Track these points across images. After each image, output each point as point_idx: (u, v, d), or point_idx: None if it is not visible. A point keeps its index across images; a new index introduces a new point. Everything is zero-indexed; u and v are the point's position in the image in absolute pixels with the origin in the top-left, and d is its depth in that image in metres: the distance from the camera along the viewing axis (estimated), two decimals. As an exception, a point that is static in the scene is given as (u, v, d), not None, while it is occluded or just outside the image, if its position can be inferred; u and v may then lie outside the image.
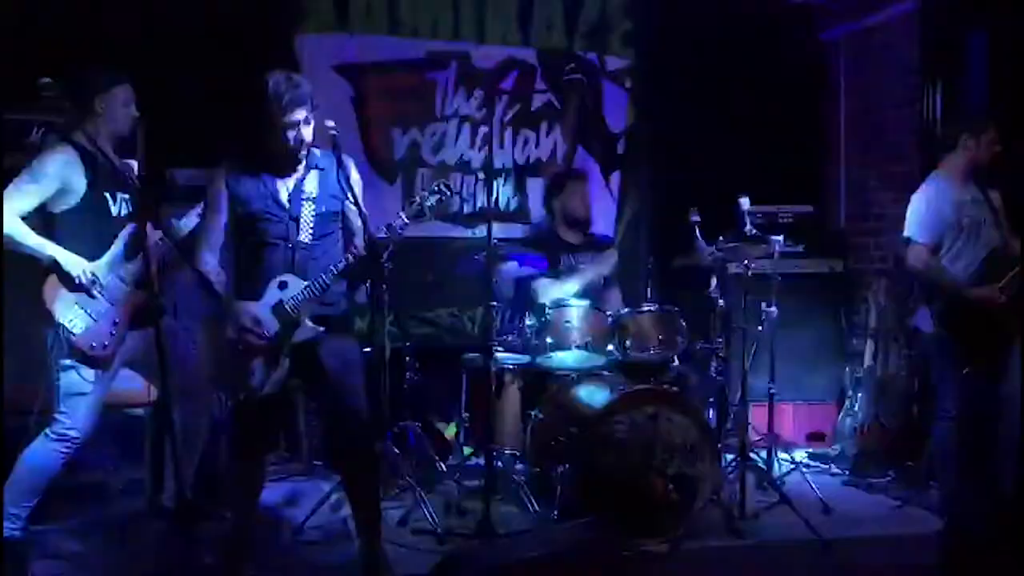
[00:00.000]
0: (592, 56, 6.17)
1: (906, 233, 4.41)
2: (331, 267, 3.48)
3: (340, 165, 3.49)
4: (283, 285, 3.49)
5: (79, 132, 3.73)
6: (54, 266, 3.63)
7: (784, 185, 6.03)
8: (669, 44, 6.15)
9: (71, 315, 3.65)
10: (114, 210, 3.78)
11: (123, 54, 4.39)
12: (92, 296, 3.68)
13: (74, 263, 3.65)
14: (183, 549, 3.39)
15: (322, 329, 3.51)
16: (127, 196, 3.79)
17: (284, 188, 3.56)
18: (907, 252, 4.40)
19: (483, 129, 5.90)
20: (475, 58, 5.93)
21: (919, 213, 4.38)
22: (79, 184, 3.67)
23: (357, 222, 3.53)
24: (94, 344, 3.67)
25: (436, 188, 3.56)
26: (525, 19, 6.01)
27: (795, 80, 6.51)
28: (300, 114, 3.46)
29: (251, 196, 3.53)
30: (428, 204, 3.52)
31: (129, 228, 3.77)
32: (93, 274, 3.67)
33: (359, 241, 3.50)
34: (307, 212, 3.53)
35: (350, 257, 3.48)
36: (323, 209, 3.56)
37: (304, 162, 3.57)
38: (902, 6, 5.90)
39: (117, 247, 3.75)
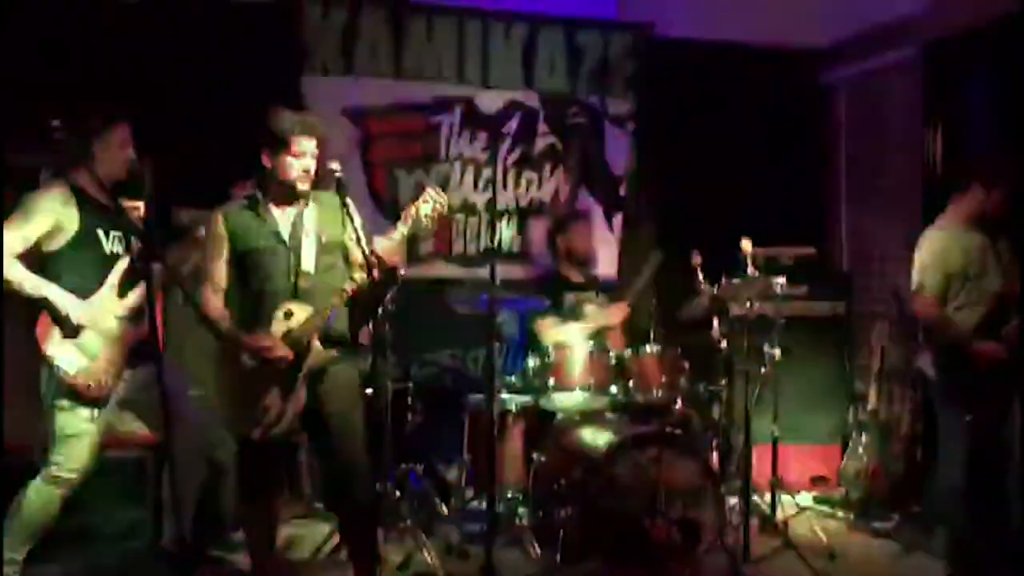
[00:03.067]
0: (594, 100, 6.22)
1: (915, 279, 4.39)
2: (335, 293, 3.48)
3: (343, 203, 3.51)
4: (289, 314, 3.48)
5: (73, 171, 3.75)
6: (48, 305, 3.63)
7: (786, 227, 6.04)
8: (671, 88, 6.21)
9: (65, 354, 3.64)
10: (107, 247, 3.77)
11: (130, 96, 4.44)
12: (86, 334, 3.67)
13: (68, 302, 3.64)
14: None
15: (334, 353, 3.52)
16: (119, 233, 3.80)
17: (285, 220, 3.58)
18: (916, 300, 4.38)
19: (486, 171, 5.94)
20: (479, 102, 5.98)
21: (926, 261, 4.35)
22: (71, 222, 3.68)
23: (358, 256, 3.51)
24: (91, 384, 3.66)
25: (428, 197, 3.48)
26: (528, 63, 6.07)
27: (797, 123, 6.57)
28: (307, 145, 3.51)
29: (251, 231, 3.55)
30: (424, 213, 3.47)
31: (123, 264, 3.78)
32: (88, 312, 3.67)
33: (359, 275, 3.49)
34: (308, 244, 3.54)
35: (353, 286, 3.47)
36: (324, 240, 3.57)
37: (305, 197, 3.59)
38: (902, 50, 5.96)
39: (111, 284, 3.75)
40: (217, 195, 3.84)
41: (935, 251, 4.33)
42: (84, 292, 3.70)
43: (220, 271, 3.57)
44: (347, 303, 3.55)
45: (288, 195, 3.59)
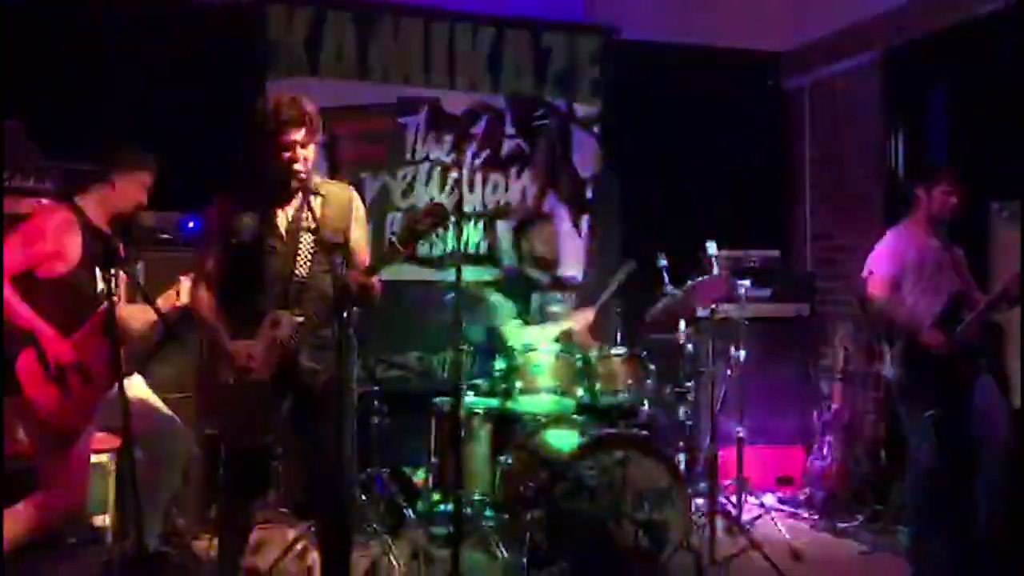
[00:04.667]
0: (561, 103, 6.23)
1: (867, 266, 4.48)
2: (326, 303, 3.32)
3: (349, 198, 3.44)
4: (276, 323, 3.32)
5: (86, 198, 3.64)
6: (31, 339, 3.49)
7: (751, 230, 6.10)
8: (637, 90, 6.23)
9: (40, 392, 3.51)
10: (99, 284, 3.64)
11: (88, 98, 4.39)
12: (65, 375, 3.53)
13: (54, 340, 3.51)
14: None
15: (319, 368, 3.38)
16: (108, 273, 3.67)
17: (283, 217, 3.41)
18: (866, 284, 4.47)
19: (453, 173, 5.93)
20: (445, 103, 5.97)
21: (881, 251, 4.48)
22: (73, 252, 3.56)
23: (356, 256, 3.44)
24: (63, 424, 3.55)
25: (431, 209, 3.31)
26: (495, 65, 6.07)
27: (761, 126, 6.63)
28: (296, 135, 3.28)
29: (247, 226, 3.36)
30: (421, 228, 3.28)
31: (105, 305, 3.58)
32: (71, 353, 3.54)
33: (354, 275, 3.32)
34: (305, 243, 3.37)
35: (341, 291, 3.24)
36: (323, 238, 3.33)
37: (303, 189, 3.36)
38: (865, 56, 6.03)
39: (95, 324, 3.62)
40: (177, 197, 3.76)
41: (890, 244, 4.47)
42: (66, 328, 3.56)
43: (213, 265, 3.41)
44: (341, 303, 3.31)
45: (283, 190, 3.39)
